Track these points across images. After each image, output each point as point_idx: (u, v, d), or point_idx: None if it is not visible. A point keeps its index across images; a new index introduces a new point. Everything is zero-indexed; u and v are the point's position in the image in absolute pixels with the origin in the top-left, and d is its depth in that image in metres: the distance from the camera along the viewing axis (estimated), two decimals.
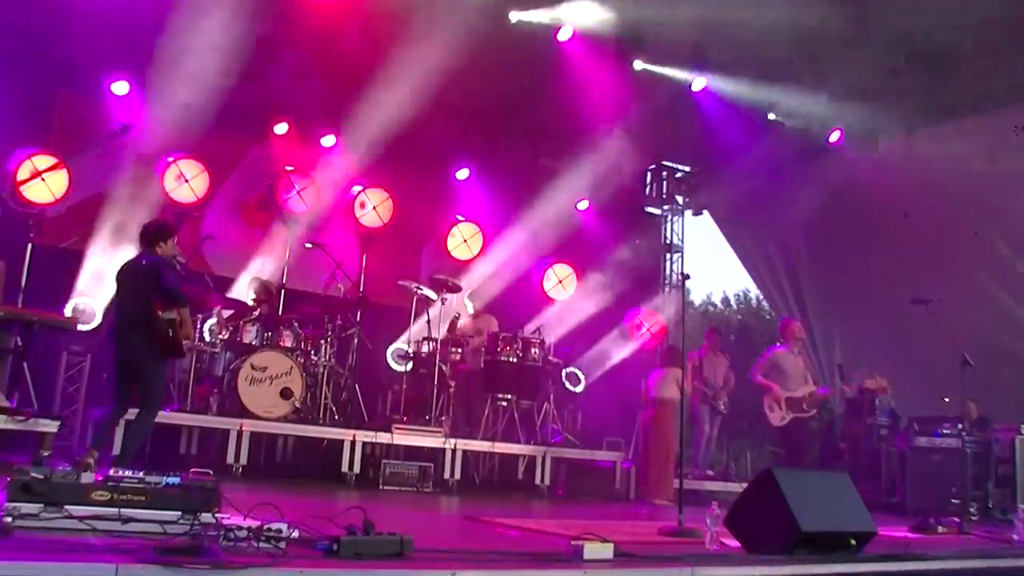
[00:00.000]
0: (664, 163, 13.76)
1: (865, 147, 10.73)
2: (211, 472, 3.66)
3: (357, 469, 7.88)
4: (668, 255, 13.79)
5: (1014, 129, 9.14)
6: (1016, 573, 4.83)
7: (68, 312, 8.51)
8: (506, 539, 4.59)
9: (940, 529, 6.22)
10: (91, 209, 9.51)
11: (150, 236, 5.97)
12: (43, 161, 8.74)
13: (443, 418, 8.81)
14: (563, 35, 8.72)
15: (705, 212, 13.65)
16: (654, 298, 13.08)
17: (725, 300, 31.59)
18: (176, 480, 3.46)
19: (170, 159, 9.43)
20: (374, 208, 10.61)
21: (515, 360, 9.50)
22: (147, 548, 2.69)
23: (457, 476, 8.36)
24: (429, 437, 8.39)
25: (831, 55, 9.60)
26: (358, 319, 9.31)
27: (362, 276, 10.18)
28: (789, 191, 11.77)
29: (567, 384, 10.33)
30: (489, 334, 9.74)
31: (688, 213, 13.85)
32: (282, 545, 2.98)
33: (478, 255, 11.45)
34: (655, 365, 9.94)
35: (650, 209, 13.85)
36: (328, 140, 10.56)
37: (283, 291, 9.38)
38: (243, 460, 7.49)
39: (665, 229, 13.87)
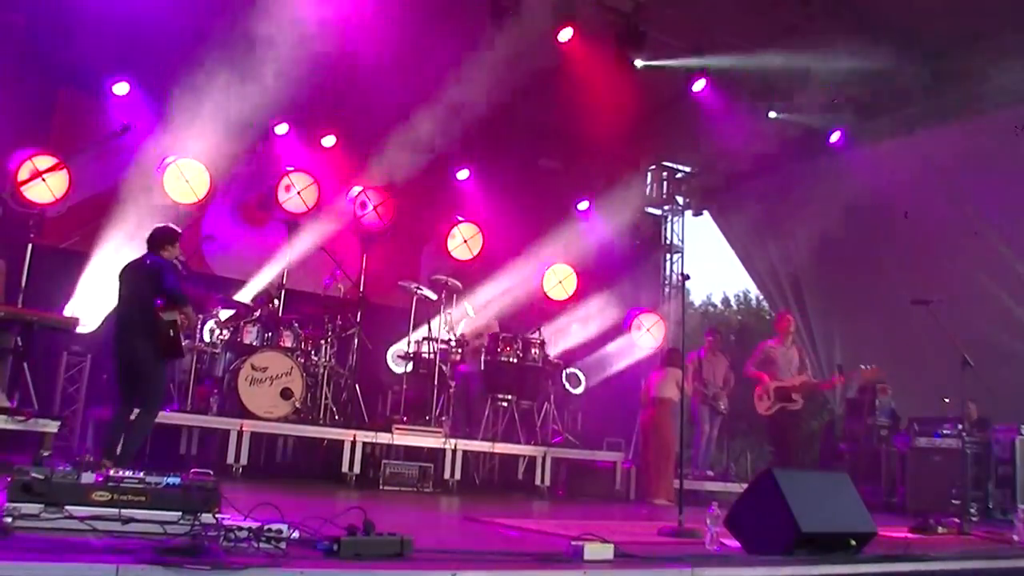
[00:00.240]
0: (664, 163, 13.78)
1: (865, 147, 10.71)
2: (211, 472, 3.66)
3: (357, 469, 7.88)
4: (668, 255, 13.80)
5: (1014, 129, 9.13)
6: (1016, 574, 4.83)
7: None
8: (506, 539, 4.59)
9: (940, 530, 6.22)
10: (91, 209, 9.53)
11: (157, 241, 6.07)
12: (43, 161, 8.74)
13: (443, 418, 8.81)
14: (563, 36, 8.70)
15: (705, 212, 13.66)
16: (655, 299, 13.10)
17: (725, 300, 31.58)
18: (176, 480, 3.46)
19: (170, 159, 9.43)
20: (374, 208, 10.61)
21: (515, 360, 9.51)
22: (147, 548, 2.69)
23: (457, 476, 8.36)
24: (429, 437, 8.39)
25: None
26: (358, 319, 9.31)
27: (362, 276, 10.19)
28: (789, 191, 11.77)
29: (567, 386, 10.33)
30: (489, 335, 9.74)
31: (688, 213, 13.87)
32: (282, 545, 2.98)
33: (478, 255, 11.44)
34: (655, 366, 9.95)
35: (650, 209, 13.86)
36: (328, 140, 10.55)
37: (283, 291, 9.38)
38: (243, 460, 7.49)
39: (665, 229, 13.88)
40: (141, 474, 3.48)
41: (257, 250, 10.22)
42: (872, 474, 9.71)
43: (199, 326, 8.13)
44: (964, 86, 9.73)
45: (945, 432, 8.89)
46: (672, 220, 13.90)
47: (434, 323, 9.14)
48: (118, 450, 5.70)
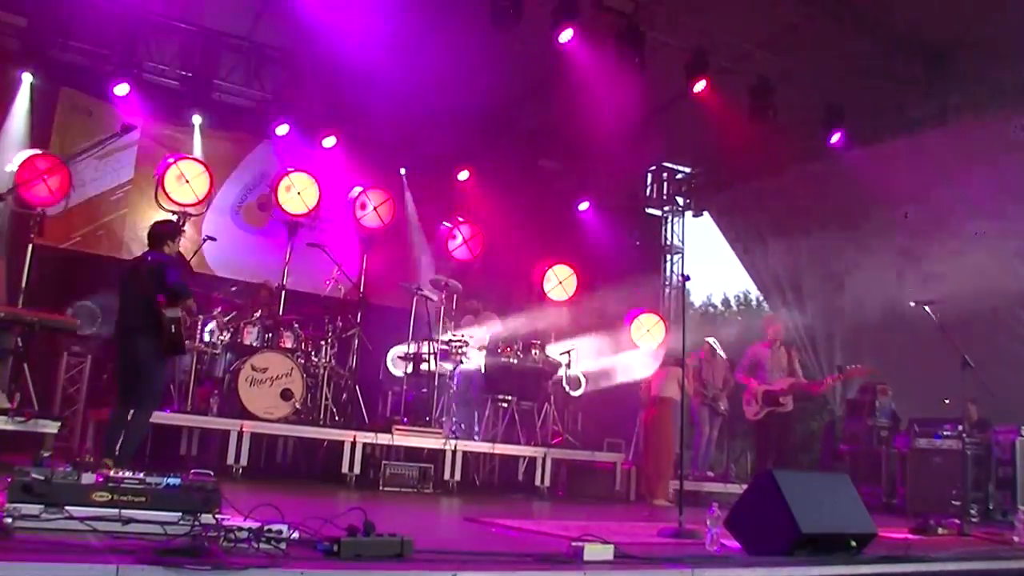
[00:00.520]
0: (665, 164, 13.79)
1: (865, 147, 10.71)
2: (211, 473, 3.66)
3: (357, 470, 7.88)
4: (668, 256, 13.81)
5: (1015, 128, 9.13)
6: (1016, 575, 4.83)
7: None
8: (506, 540, 4.59)
9: (940, 531, 6.22)
10: (92, 210, 9.54)
11: (158, 236, 6.06)
12: (44, 162, 8.74)
13: (443, 419, 8.81)
14: (564, 37, 8.71)
15: (705, 213, 13.66)
16: (655, 299, 13.11)
17: (725, 301, 31.57)
18: (176, 481, 3.46)
19: (171, 160, 9.43)
20: (375, 209, 10.62)
21: (516, 361, 9.50)
22: (148, 549, 2.69)
23: (457, 477, 8.36)
24: (429, 438, 8.39)
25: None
26: (359, 320, 9.31)
27: (362, 277, 10.19)
28: (789, 192, 11.78)
29: (567, 388, 10.32)
30: (489, 335, 9.74)
31: (688, 214, 13.88)
32: (282, 546, 2.98)
33: (478, 256, 11.44)
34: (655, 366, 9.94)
35: (651, 210, 13.87)
36: (329, 141, 10.56)
37: (284, 292, 9.38)
38: (243, 461, 7.49)
39: (665, 230, 13.88)
40: (141, 475, 3.48)
41: (257, 251, 10.23)
42: (872, 475, 9.72)
43: (200, 327, 8.14)
44: (964, 86, 9.73)
45: (945, 433, 8.89)
46: (672, 221, 13.91)
47: (435, 324, 9.14)
48: (117, 449, 5.70)
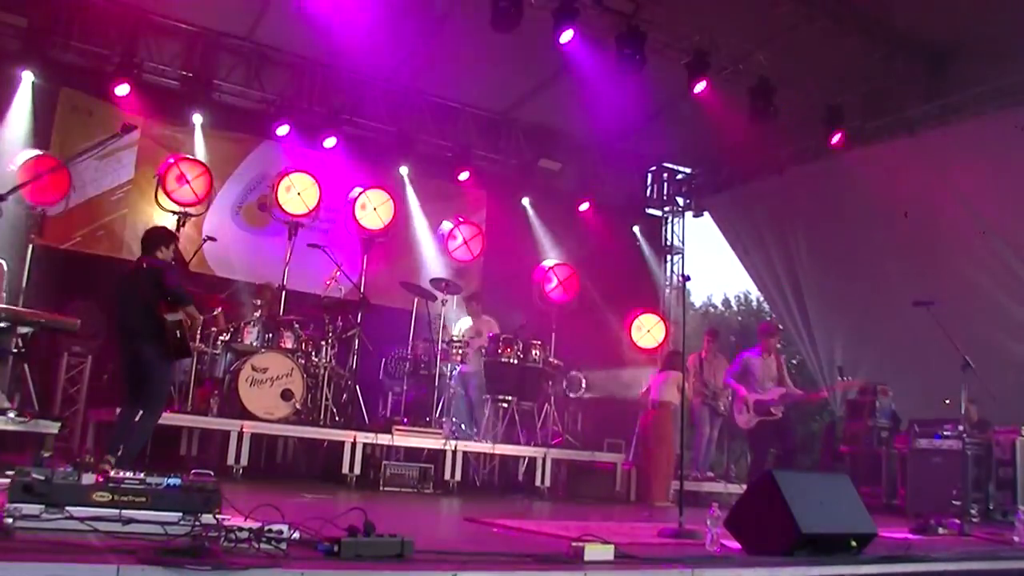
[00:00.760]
0: (665, 164, 13.80)
1: (865, 147, 10.71)
2: (212, 473, 3.66)
3: (358, 471, 7.88)
4: (669, 257, 13.81)
5: (1015, 129, 9.13)
6: (1017, 575, 4.83)
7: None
8: (506, 541, 4.58)
9: (941, 531, 6.22)
10: (92, 210, 9.53)
11: (152, 242, 6.06)
12: (44, 162, 8.74)
13: (443, 420, 8.81)
14: (564, 38, 8.71)
15: (706, 213, 13.67)
16: (655, 300, 13.11)
17: (726, 302, 31.61)
18: (177, 481, 3.46)
19: (171, 160, 9.44)
20: (375, 209, 10.61)
21: (516, 362, 9.50)
22: (148, 549, 2.69)
23: (457, 477, 8.36)
24: (429, 438, 8.39)
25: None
26: (359, 320, 9.31)
27: (363, 277, 10.19)
28: (789, 192, 11.78)
29: (567, 391, 10.32)
30: (490, 336, 9.74)
31: (689, 214, 13.88)
32: (283, 546, 2.98)
33: (478, 256, 11.44)
34: (655, 366, 9.94)
35: (651, 211, 13.87)
36: (329, 142, 10.57)
37: (284, 292, 9.38)
38: (244, 461, 7.49)
39: (665, 231, 13.89)
40: (142, 475, 3.48)
41: (257, 251, 10.23)
42: (872, 475, 9.71)
43: (200, 327, 8.13)
44: (964, 86, 9.73)
45: (946, 434, 8.89)
46: (672, 221, 13.92)
47: (435, 324, 9.15)
48: (119, 450, 5.70)
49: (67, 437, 7.80)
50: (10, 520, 2.97)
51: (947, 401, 8.75)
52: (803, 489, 4.36)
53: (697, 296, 31.16)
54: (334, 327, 8.92)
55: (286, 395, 7.95)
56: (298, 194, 9.98)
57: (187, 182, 9.46)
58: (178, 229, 8.96)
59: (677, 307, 13.26)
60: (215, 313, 8.34)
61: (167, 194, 9.38)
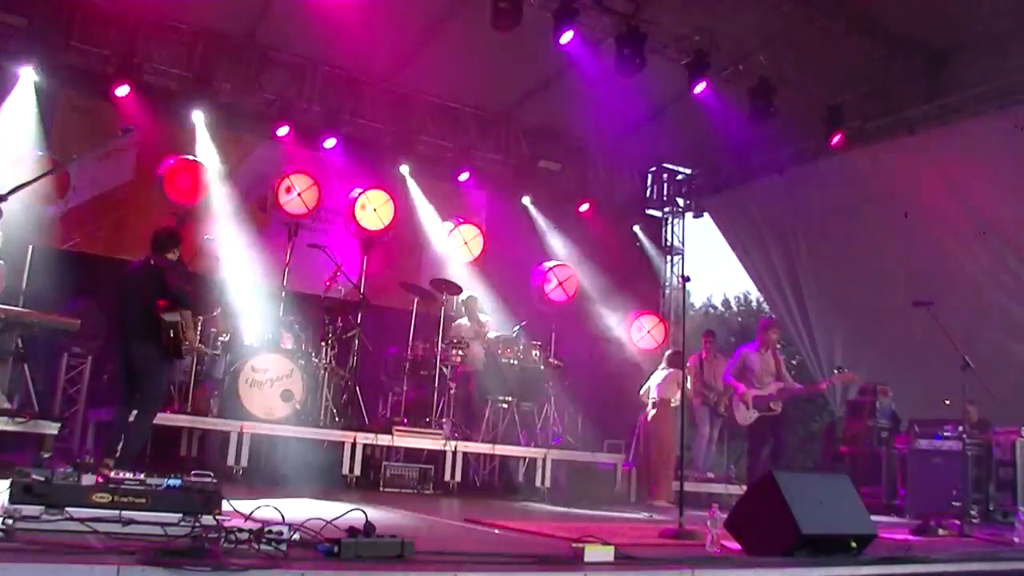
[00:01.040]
0: (665, 165, 13.80)
1: (865, 147, 10.71)
2: (212, 474, 3.66)
3: (358, 471, 7.87)
4: (669, 257, 13.81)
5: (1015, 128, 9.13)
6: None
7: None
8: (507, 541, 4.58)
9: (941, 531, 6.22)
10: (92, 210, 9.53)
11: (161, 242, 6.08)
12: (45, 163, 8.74)
13: (443, 420, 8.80)
14: (564, 38, 8.71)
15: (705, 214, 13.66)
16: (655, 300, 13.11)
17: (725, 302, 31.60)
18: (177, 482, 3.46)
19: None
20: (375, 210, 10.61)
21: (516, 362, 9.50)
22: (148, 550, 2.69)
23: (457, 478, 8.36)
24: (429, 439, 8.38)
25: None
26: (359, 321, 9.31)
27: (363, 278, 10.19)
28: (789, 192, 11.78)
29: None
30: (489, 336, 9.74)
31: (688, 215, 13.88)
32: (283, 547, 2.98)
33: (478, 257, 11.44)
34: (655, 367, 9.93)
35: (651, 211, 13.87)
36: (329, 142, 10.57)
37: (284, 293, 9.38)
38: (244, 462, 7.49)
39: (665, 231, 13.88)
40: (142, 476, 3.48)
41: (257, 251, 10.22)
42: (873, 476, 9.71)
43: (198, 327, 8.13)
44: (964, 86, 9.73)
45: (946, 434, 8.89)
46: (672, 222, 13.91)
47: (434, 325, 9.15)
48: (119, 451, 5.71)
49: (67, 438, 7.80)
50: (10, 521, 2.97)
51: (947, 401, 8.75)
52: (803, 490, 4.36)
53: (697, 297, 31.18)
54: (334, 328, 8.92)
55: (286, 396, 7.95)
56: (298, 195, 9.99)
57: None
58: (181, 229, 8.96)
59: (677, 308, 13.26)
60: (215, 313, 8.35)
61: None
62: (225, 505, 3.50)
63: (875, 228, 10.76)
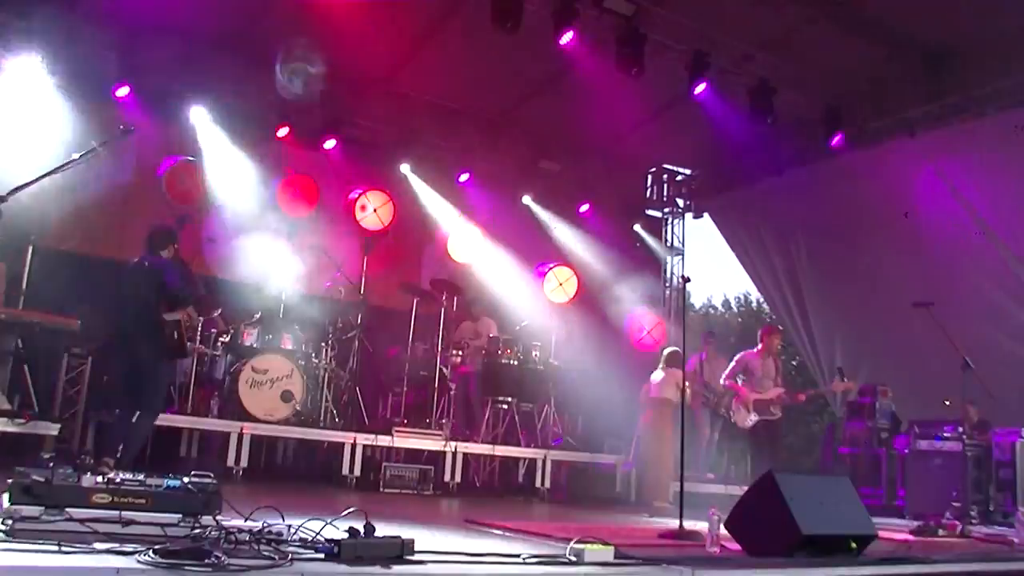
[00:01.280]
0: (665, 165, 13.80)
1: (865, 148, 10.71)
2: (212, 475, 3.66)
3: (358, 472, 7.88)
4: (669, 258, 13.81)
5: (1015, 129, 9.13)
6: None
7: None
8: (506, 541, 4.58)
9: (940, 532, 6.24)
10: (92, 211, 9.52)
11: (156, 241, 6.07)
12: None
13: (443, 421, 8.80)
14: (564, 39, 8.71)
15: (705, 215, 13.66)
16: (655, 301, 13.10)
17: (725, 303, 31.62)
18: (177, 483, 3.46)
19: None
20: (375, 211, 10.62)
21: (516, 363, 9.50)
22: (148, 551, 2.69)
23: (457, 479, 8.36)
24: (429, 440, 8.39)
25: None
26: (359, 322, 9.31)
27: (363, 279, 10.18)
28: (789, 193, 11.78)
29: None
30: (489, 337, 9.74)
31: (689, 216, 13.88)
32: (283, 548, 2.98)
33: (478, 257, 11.43)
34: (655, 368, 9.93)
35: (651, 212, 13.87)
36: (329, 143, 10.57)
37: (284, 294, 9.38)
38: (244, 463, 7.49)
39: (665, 232, 13.88)
40: (142, 476, 3.48)
41: (257, 252, 10.21)
42: (872, 477, 9.72)
43: (199, 328, 8.13)
44: (964, 87, 9.73)
45: (946, 435, 8.89)
46: (672, 222, 13.91)
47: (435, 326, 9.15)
48: (119, 451, 5.71)
49: (67, 438, 7.79)
50: (10, 521, 2.97)
51: (947, 402, 8.76)
52: (803, 490, 4.36)
53: (697, 297, 31.18)
54: (334, 328, 8.92)
55: (286, 396, 7.95)
56: (374, 211, 10.04)
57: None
58: (181, 230, 8.96)
59: (677, 308, 13.26)
60: (215, 314, 8.35)
61: (168, 194, 9.45)
62: (225, 505, 3.50)
63: (875, 229, 10.76)
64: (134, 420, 5.91)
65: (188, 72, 10.18)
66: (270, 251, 9.86)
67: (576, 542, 3.60)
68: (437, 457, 8.41)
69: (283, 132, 10.35)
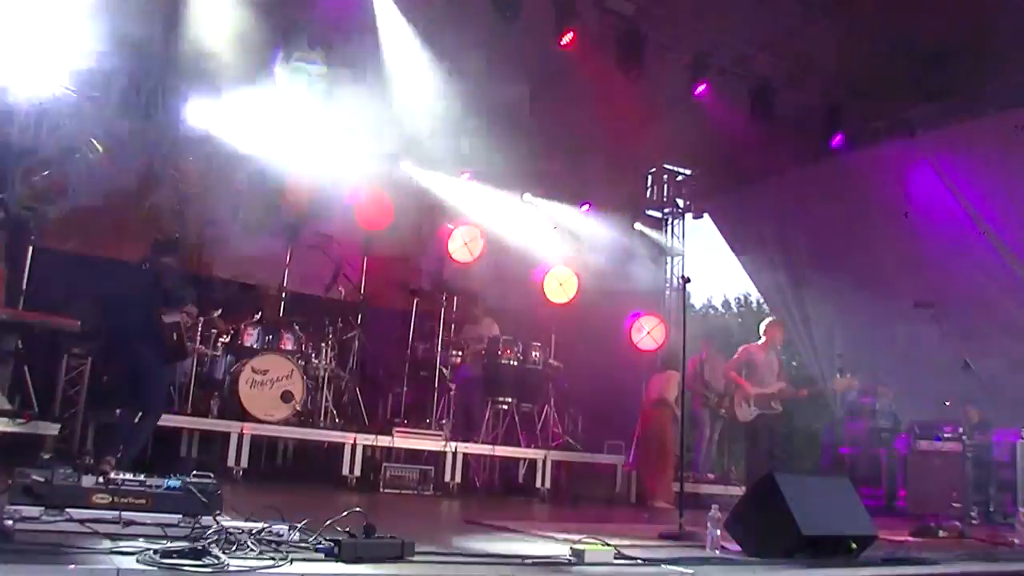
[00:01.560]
0: (665, 166, 13.79)
1: (865, 148, 10.71)
2: (212, 475, 3.66)
3: (358, 472, 7.87)
4: (669, 258, 13.80)
5: (1015, 129, 9.13)
6: None
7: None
8: (506, 542, 4.58)
9: (941, 533, 6.22)
10: (92, 212, 9.52)
11: (161, 247, 6.09)
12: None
13: (443, 421, 8.80)
14: (565, 39, 8.72)
15: (705, 215, 13.66)
16: (655, 301, 13.10)
17: (725, 303, 31.60)
18: (177, 483, 3.46)
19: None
20: (375, 211, 10.59)
21: (516, 363, 9.50)
22: (148, 551, 2.69)
23: (458, 479, 8.36)
24: (430, 440, 8.38)
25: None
26: (359, 322, 9.31)
27: (363, 279, 10.18)
28: (790, 193, 11.78)
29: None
30: (489, 337, 9.74)
31: (689, 216, 13.88)
32: (283, 548, 2.98)
33: (478, 258, 11.42)
34: (656, 368, 9.94)
35: (651, 212, 13.86)
36: None
37: (284, 294, 9.38)
38: (244, 463, 7.49)
39: (665, 232, 13.88)
40: (142, 477, 3.48)
41: (257, 251, 10.20)
42: (873, 477, 9.72)
43: (199, 328, 8.13)
44: (964, 87, 9.74)
45: (946, 435, 8.89)
46: (672, 223, 13.90)
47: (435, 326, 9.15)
48: (119, 452, 5.71)
49: (67, 439, 7.79)
50: (10, 522, 2.97)
51: (947, 402, 8.76)
52: (803, 491, 4.36)
53: (697, 298, 31.15)
54: (334, 328, 8.92)
55: (286, 397, 7.94)
56: (464, 244, 10.08)
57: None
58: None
59: (677, 308, 13.25)
60: (215, 315, 8.35)
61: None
62: (225, 505, 3.50)
63: (875, 229, 10.76)
64: (136, 421, 5.91)
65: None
66: (271, 251, 9.90)
67: (576, 543, 3.60)
68: (437, 457, 8.41)
69: None
